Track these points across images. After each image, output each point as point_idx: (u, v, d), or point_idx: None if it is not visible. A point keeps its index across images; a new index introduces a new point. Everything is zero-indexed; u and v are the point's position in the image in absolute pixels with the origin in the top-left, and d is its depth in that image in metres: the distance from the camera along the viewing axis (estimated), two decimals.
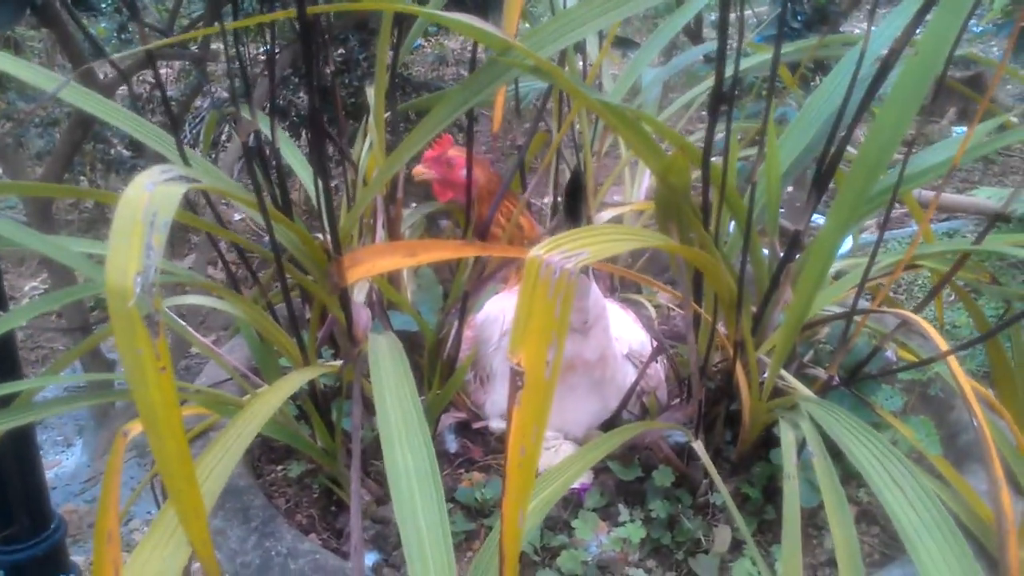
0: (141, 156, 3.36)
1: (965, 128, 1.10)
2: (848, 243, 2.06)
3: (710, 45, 1.53)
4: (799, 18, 2.68)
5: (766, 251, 0.98)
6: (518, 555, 0.54)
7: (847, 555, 0.63)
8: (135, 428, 0.76)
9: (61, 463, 2.30)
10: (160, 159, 2.53)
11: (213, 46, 2.59)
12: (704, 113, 0.87)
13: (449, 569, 0.54)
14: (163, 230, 0.57)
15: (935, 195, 0.90)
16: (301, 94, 3.12)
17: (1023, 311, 0.84)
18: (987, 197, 2.38)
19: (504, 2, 0.85)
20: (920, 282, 2.43)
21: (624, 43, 2.37)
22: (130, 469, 2.10)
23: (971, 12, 0.69)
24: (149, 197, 0.59)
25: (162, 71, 4.12)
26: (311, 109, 0.76)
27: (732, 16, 0.77)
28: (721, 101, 0.75)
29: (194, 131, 3.63)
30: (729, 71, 1.26)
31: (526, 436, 0.54)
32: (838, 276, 1.04)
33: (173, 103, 3.45)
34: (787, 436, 0.76)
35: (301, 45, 0.68)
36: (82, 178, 3.35)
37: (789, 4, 2.59)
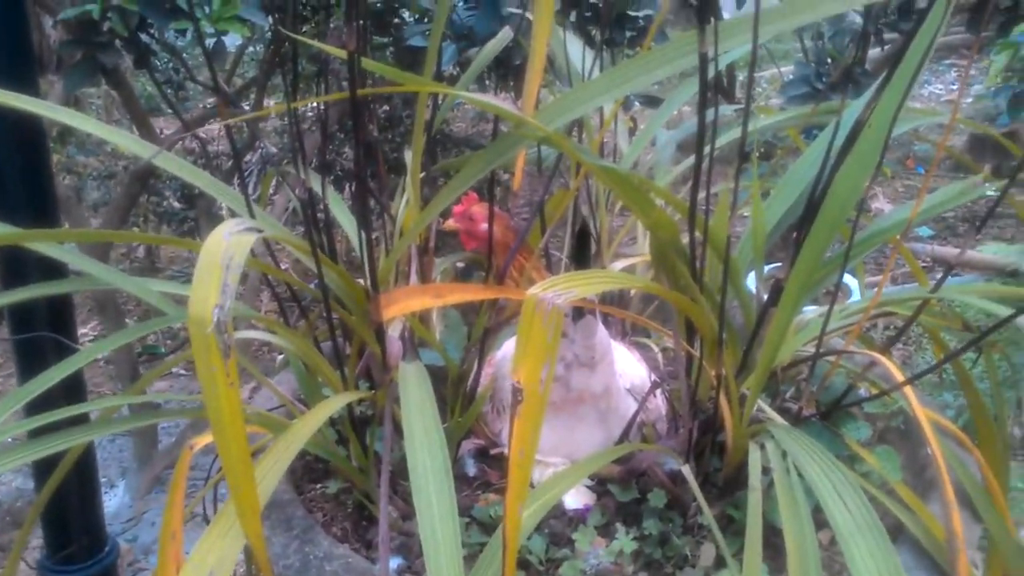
0: (192, 208, 3.56)
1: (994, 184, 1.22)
2: (856, 293, 2.18)
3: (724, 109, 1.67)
4: (823, 79, 2.78)
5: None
6: (518, 541, 0.67)
7: (797, 556, 0.75)
8: (200, 442, 0.89)
9: (105, 504, 2.43)
10: (207, 213, 2.71)
11: (266, 102, 2.77)
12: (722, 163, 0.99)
13: (455, 545, 0.67)
14: (237, 271, 0.71)
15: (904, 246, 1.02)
16: (346, 149, 3.32)
17: (969, 343, 0.95)
18: (994, 252, 2.49)
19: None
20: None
21: (653, 101, 2.52)
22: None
23: (909, 88, 0.82)
24: (226, 244, 0.73)
25: (214, 127, 4.35)
26: (357, 173, 0.91)
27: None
28: (700, 171, 0.88)
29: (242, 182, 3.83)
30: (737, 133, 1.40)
31: (524, 440, 0.66)
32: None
33: (224, 156, 3.66)
34: (754, 455, 0.87)
35: (352, 122, 0.82)
36: (135, 228, 3.55)
37: (813, 65, 2.68)
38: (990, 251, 2.53)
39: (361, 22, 0.89)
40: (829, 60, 2.68)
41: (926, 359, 2.13)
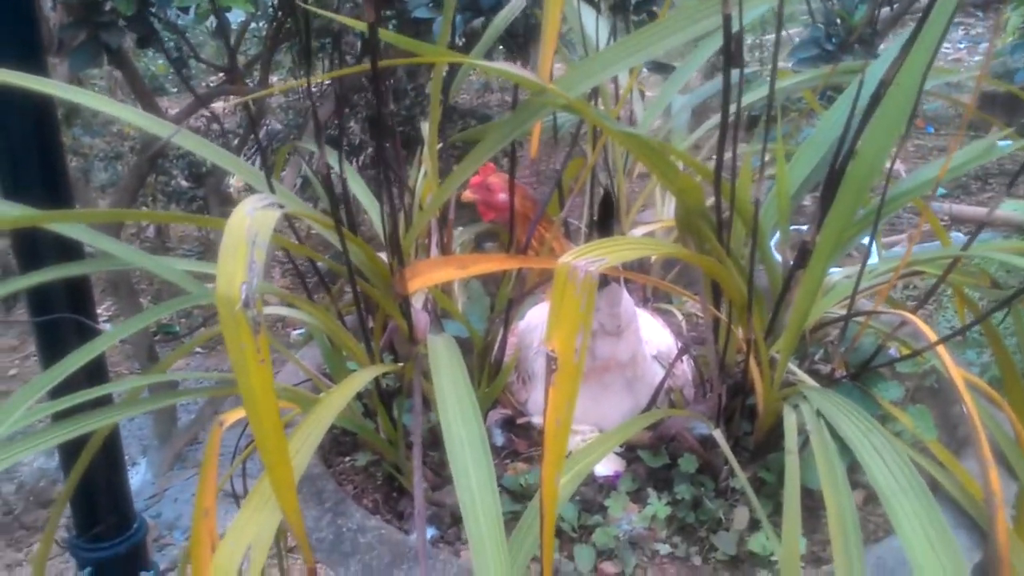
0: (200, 187, 3.55)
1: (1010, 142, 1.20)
2: (874, 255, 2.16)
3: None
4: (833, 40, 2.73)
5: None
6: (556, 509, 0.66)
7: (837, 516, 0.74)
8: (229, 418, 0.89)
9: None
10: (216, 192, 2.71)
11: (270, 79, 2.77)
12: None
13: (495, 513, 0.67)
14: (263, 247, 0.70)
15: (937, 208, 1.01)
16: (352, 123, 3.30)
17: (1002, 302, 0.93)
18: (1013, 209, 2.48)
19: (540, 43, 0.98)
20: (949, 291, 2.51)
21: (662, 68, 2.50)
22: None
23: (937, 48, 0.80)
24: (251, 221, 0.72)
25: (219, 104, 4.32)
26: (377, 148, 0.90)
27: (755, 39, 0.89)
28: (727, 130, 0.87)
29: (248, 160, 3.82)
30: (757, 95, 1.39)
31: (560, 409, 0.66)
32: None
33: (230, 135, 3.64)
34: (789, 418, 0.87)
35: (373, 94, 0.81)
36: (144, 208, 3.54)
37: (823, 26, 2.64)
38: (1008, 208, 2.52)
39: None
40: (838, 21, 2.64)
41: (947, 318, 2.12)
